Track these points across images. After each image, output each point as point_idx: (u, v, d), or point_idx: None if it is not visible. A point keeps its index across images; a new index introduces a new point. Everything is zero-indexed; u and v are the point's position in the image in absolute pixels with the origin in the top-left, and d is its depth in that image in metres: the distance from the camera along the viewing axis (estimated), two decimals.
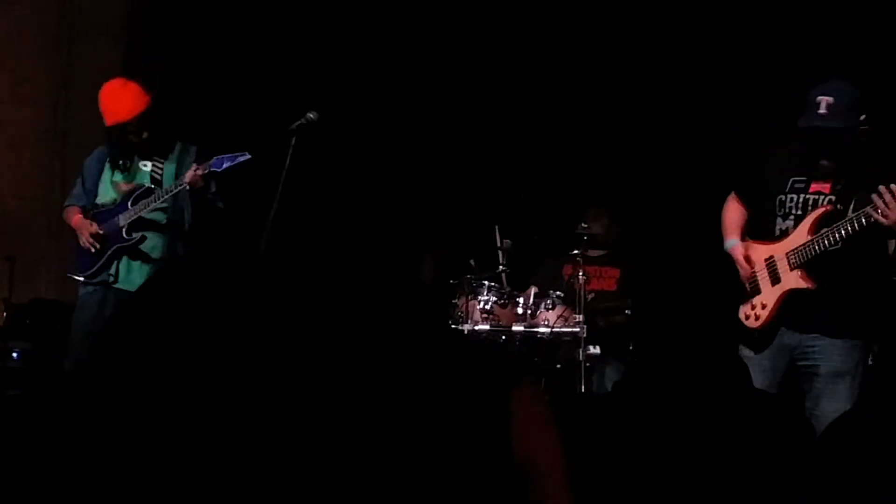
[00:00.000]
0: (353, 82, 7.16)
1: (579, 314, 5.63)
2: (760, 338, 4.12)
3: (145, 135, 4.91)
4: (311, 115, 4.80)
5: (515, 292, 5.95)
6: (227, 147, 6.67)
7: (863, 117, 3.95)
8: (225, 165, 4.87)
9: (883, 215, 3.78)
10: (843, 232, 3.89)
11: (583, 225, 5.87)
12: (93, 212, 5.02)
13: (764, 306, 4.10)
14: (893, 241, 3.97)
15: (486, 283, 5.89)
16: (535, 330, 5.74)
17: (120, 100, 4.93)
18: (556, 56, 7.00)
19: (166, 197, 4.88)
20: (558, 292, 5.91)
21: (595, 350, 5.71)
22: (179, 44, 7.36)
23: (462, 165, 7.08)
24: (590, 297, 5.82)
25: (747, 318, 4.17)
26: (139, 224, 4.93)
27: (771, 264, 4.08)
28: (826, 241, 3.93)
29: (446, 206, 6.93)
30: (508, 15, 7.04)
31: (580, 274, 5.65)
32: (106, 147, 5.05)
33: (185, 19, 7.37)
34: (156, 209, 4.94)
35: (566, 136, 6.99)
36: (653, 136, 6.74)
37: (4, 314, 6.60)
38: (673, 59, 6.65)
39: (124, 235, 4.92)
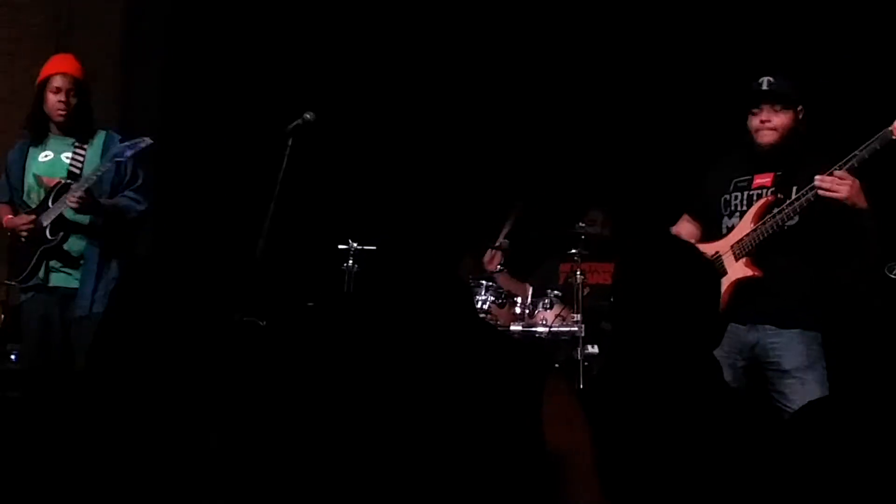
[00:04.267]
0: (349, 82, 7.17)
1: (577, 313, 5.63)
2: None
3: (78, 100, 4.82)
4: (308, 116, 4.80)
5: (513, 291, 5.96)
6: (225, 146, 6.68)
7: (800, 108, 4.10)
8: (128, 154, 4.73)
9: (829, 189, 3.83)
10: (791, 212, 3.96)
11: (580, 224, 5.88)
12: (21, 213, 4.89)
13: None
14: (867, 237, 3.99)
15: (484, 282, 5.90)
16: (534, 329, 5.74)
17: (71, 60, 4.90)
18: (556, 58, 7.01)
19: (79, 197, 4.69)
20: (556, 291, 5.91)
21: (593, 349, 5.72)
22: (177, 42, 7.35)
23: (460, 163, 7.09)
24: (586, 291, 5.82)
25: None
26: (60, 223, 4.78)
27: (717, 260, 4.13)
28: (770, 228, 4.00)
29: (444, 203, 6.94)
30: (510, 16, 7.06)
31: (578, 273, 5.66)
32: (25, 126, 4.94)
33: (183, 18, 7.36)
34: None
35: (564, 136, 7.00)
36: (650, 137, 6.75)
37: (2, 316, 6.58)
38: (673, 63, 6.66)
39: (48, 236, 4.79)
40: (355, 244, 5.82)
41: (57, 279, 4.83)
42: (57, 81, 4.81)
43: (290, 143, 4.73)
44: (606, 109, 6.88)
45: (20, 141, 5.00)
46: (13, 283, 4.96)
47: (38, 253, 4.81)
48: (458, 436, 1.84)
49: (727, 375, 4.05)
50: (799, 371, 3.99)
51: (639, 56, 6.79)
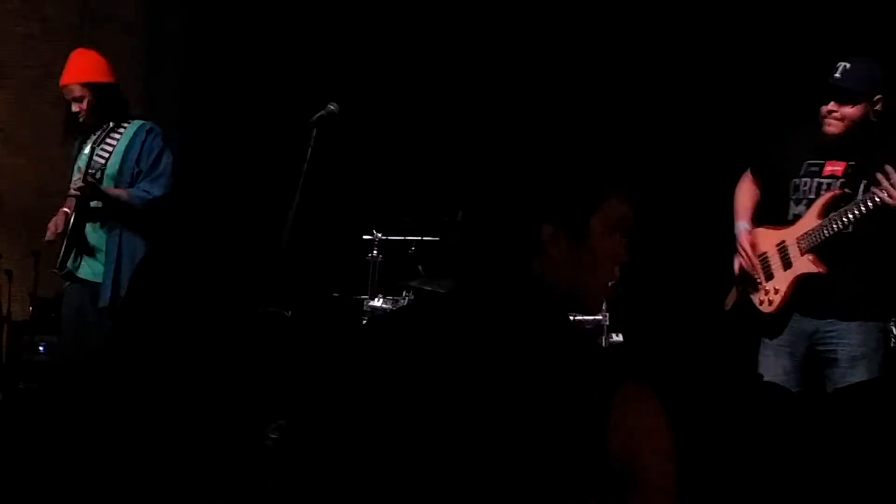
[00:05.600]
0: (374, 72, 7.16)
1: None
2: (775, 322, 4.17)
3: (90, 102, 4.88)
4: (332, 107, 4.80)
5: None
6: (248, 138, 6.70)
7: (878, 97, 3.96)
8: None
9: (889, 195, 3.78)
10: (851, 215, 3.90)
11: None
12: None
13: (777, 291, 4.14)
14: None
15: None
16: None
17: (79, 61, 4.95)
18: (578, 47, 6.99)
19: (79, 185, 4.80)
20: None
21: (618, 338, 5.69)
22: (200, 36, 7.38)
23: (483, 151, 7.06)
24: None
25: (761, 303, 4.22)
26: (79, 210, 4.89)
27: (783, 249, 4.11)
28: (835, 225, 3.94)
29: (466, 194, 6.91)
30: (527, 8, 7.03)
31: None
32: (63, 134, 5.07)
33: (206, 11, 7.38)
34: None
35: (582, 122, 6.97)
36: (667, 123, 6.71)
37: (30, 308, 6.65)
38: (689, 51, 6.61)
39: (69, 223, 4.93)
40: (380, 234, 5.83)
41: (84, 271, 4.92)
42: (66, 93, 4.94)
43: (314, 134, 4.73)
44: (622, 94, 6.84)
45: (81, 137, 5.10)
46: (53, 270, 5.10)
47: (65, 240, 4.92)
48: (511, 439, 1.69)
49: (786, 363, 4.11)
50: (851, 361, 3.98)
51: (660, 44, 6.76)
